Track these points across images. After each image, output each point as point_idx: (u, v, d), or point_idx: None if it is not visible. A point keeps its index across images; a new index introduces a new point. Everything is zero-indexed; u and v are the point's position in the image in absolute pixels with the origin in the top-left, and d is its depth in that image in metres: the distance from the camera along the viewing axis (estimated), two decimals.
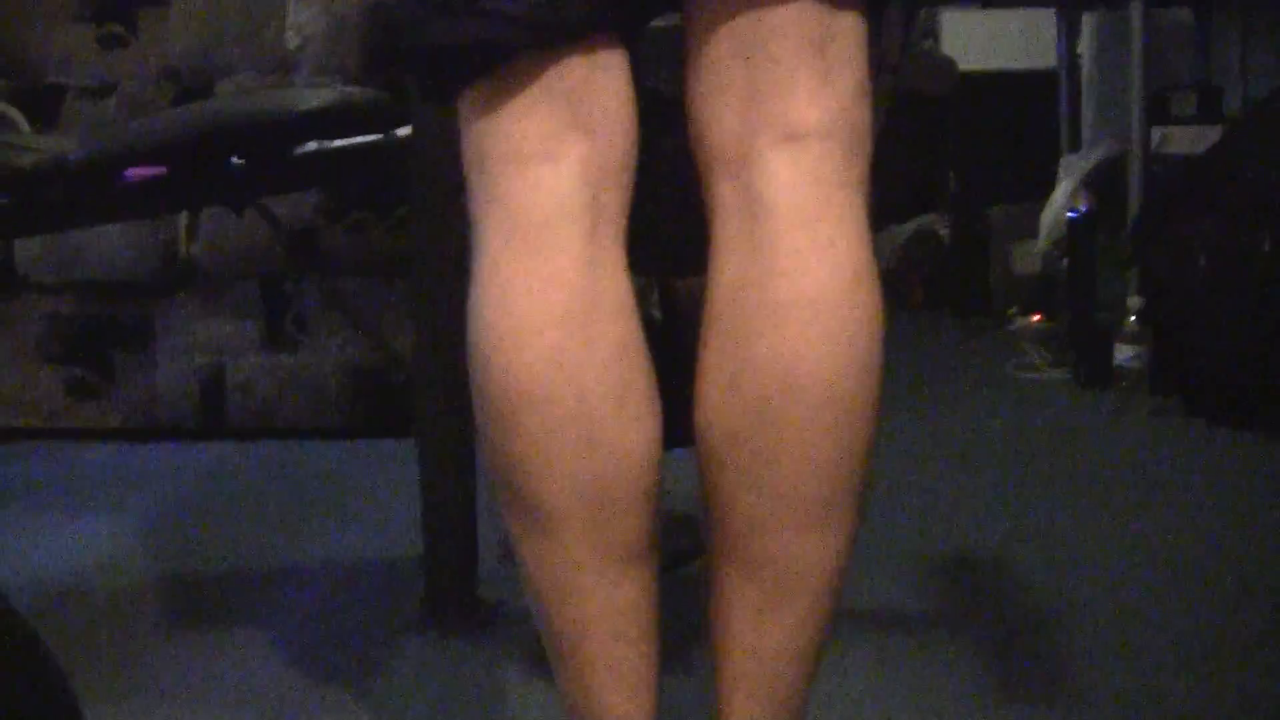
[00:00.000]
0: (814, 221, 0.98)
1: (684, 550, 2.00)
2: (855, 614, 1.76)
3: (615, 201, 1.03)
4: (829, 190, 0.98)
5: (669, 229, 1.19)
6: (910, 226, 4.55)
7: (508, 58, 1.00)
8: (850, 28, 1.00)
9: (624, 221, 1.04)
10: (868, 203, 1.02)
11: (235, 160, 1.73)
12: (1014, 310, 4.09)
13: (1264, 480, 2.42)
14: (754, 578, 1.01)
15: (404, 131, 1.77)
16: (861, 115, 1.01)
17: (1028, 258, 4.00)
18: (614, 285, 1.01)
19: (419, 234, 1.72)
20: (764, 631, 1.01)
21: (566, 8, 0.98)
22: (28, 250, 2.84)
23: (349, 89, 1.61)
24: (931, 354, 3.88)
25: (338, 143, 1.91)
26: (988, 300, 4.22)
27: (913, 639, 1.67)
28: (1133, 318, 2.99)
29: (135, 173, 1.70)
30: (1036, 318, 3.96)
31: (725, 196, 1.01)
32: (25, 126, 3.05)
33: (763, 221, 0.98)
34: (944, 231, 4.58)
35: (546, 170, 1.00)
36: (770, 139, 0.98)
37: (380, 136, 1.85)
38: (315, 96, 1.57)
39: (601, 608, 1.02)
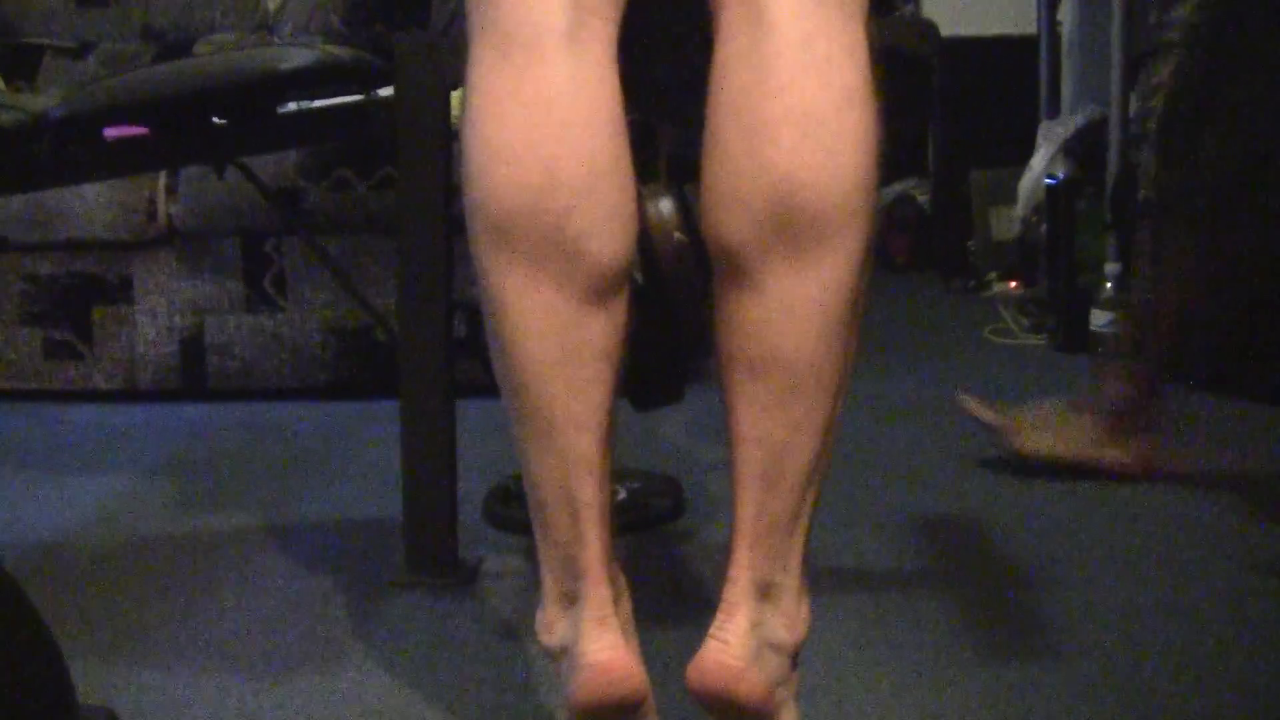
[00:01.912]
0: (811, 40, 1.04)
1: (664, 510, 2.01)
2: (835, 571, 1.77)
3: (604, 30, 1.08)
4: (829, 12, 1.04)
5: (665, 71, 1.25)
6: (892, 190, 4.56)
7: None
8: None
9: (614, 47, 1.09)
10: (868, 32, 1.08)
11: (216, 120, 1.72)
12: (993, 276, 4.11)
13: (1239, 443, 2.44)
14: (757, 378, 1.07)
15: (386, 92, 1.77)
16: None
17: (1007, 223, 4.01)
18: (605, 100, 1.07)
19: (403, 193, 1.72)
20: (768, 427, 1.08)
21: None
22: (6, 210, 2.83)
23: (331, 48, 1.60)
24: (911, 315, 3.90)
25: (319, 103, 1.91)
26: (968, 264, 4.24)
27: (893, 596, 1.68)
28: (1110, 284, 3.01)
29: (115, 131, 1.69)
30: (1014, 284, 3.97)
31: (731, 13, 1.06)
32: (2, 85, 3.03)
33: (763, 38, 1.04)
34: (924, 197, 4.59)
35: None
36: None
37: (362, 97, 1.85)
38: (297, 55, 1.57)
39: (567, 358, 1.08)
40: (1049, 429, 2.23)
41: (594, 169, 1.05)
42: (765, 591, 1.10)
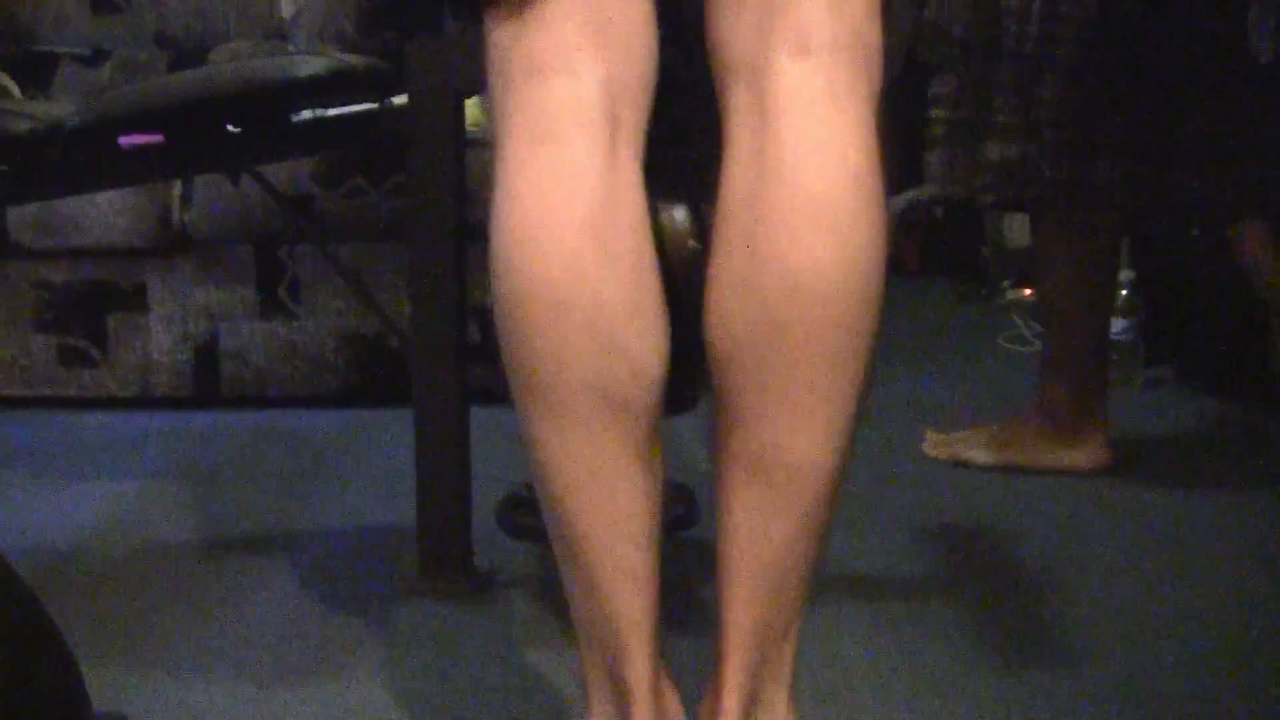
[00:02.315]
0: (820, 126, 1.01)
1: (677, 518, 2.01)
2: (846, 578, 1.77)
3: (633, 119, 1.05)
4: (837, 98, 1.02)
5: (695, 154, 1.22)
6: (905, 197, 4.55)
7: None
8: None
9: (642, 138, 1.06)
10: (877, 117, 1.05)
11: (230, 128, 1.72)
12: (1007, 283, 4.10)
13: (1260, 452, 2.44)
14: (756, 476, 1.04)
15: (400, 100, 1.77)
16: (873, 34, 1.05)
17: (1020, 230, 4.00)
18: (631, 197, 1.04)
19: (416, 201, 1.72)
20: (766, 529, 1.04)
21: None
22: (21, 217, 2.84)
23: (345, 56, 1.61)
24: (923, 321, 3.89)
25: (334, 111, 1.91)
26: (981, 271, 4.23)
27: (904, 604, 1.68)
28: (1124, 290, 3.00)
29: (130, 140, 1.70)
30: (1028, 291, 3.96)
31: (738, 104, 1.04)
32: (18, 93, 3.04)
33: (771, 126, 1.02)
34: (937, 207, 4.58)
35: (565, 82, 1.03)
36: (783, 50, 1.02)
37: (376, 105, 1.85)
38: (312, 63, 1.57)
39: (609, 501, 1.05)
40: (1007, 442, 2.31)
41: (619, 263, 1.02)
42: (755, 699, 1.07)
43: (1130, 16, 2.06)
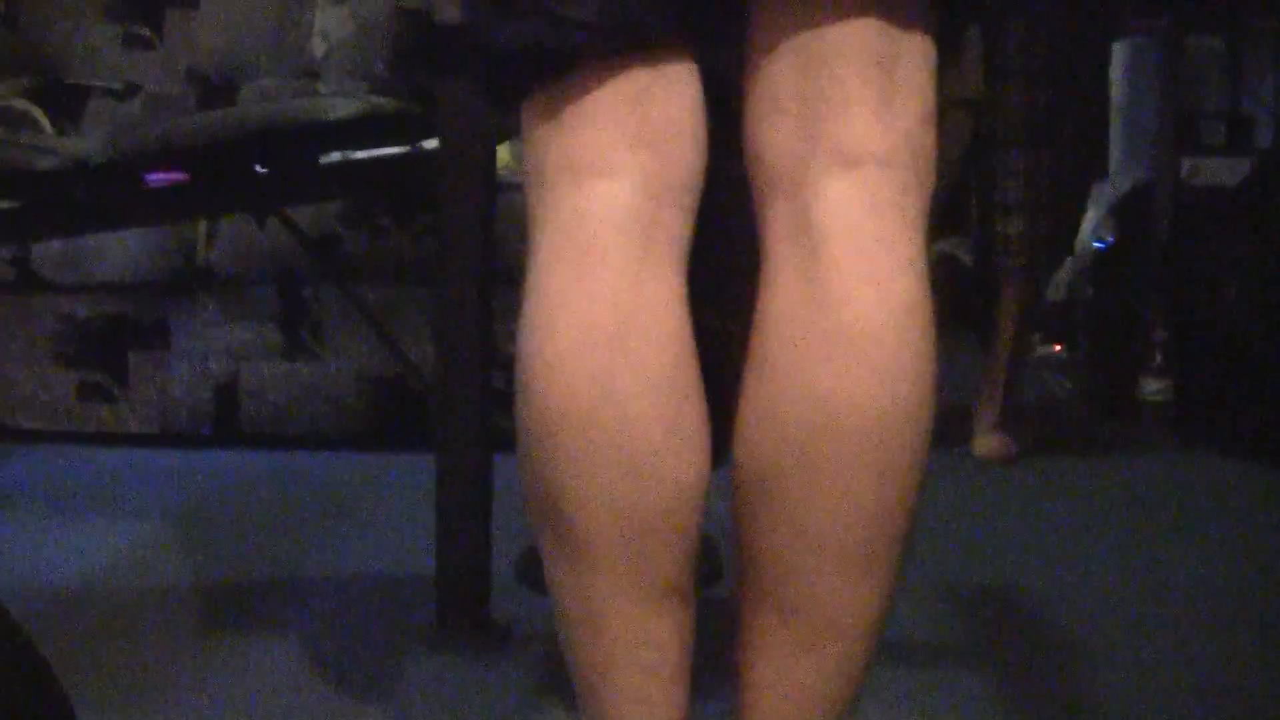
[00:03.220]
0: (869, 252, 0.93)
1: (701, 574, 1.97)
2: None
3: (676, 221, 0.98)
4: (886, 220, 0.94)
5: (723, 258, 1.15)
6: (933, 250, 4.52)
7: (571, 64, 0.96)
8: (919, 49, 0.96)
9: (685, 243, 0.99)
10: (926, 236, 0.97)
11: (259, 168, 1.71)
12: (1037, 338, 4.06)
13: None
14: (787, 621, 0.96)
15: (430, 144, 1.75)
16: (925, 143, 0.97)
17: (1052, 286, 3.97)
18: (666, 307, 0.96)
19: (445, 245, 1.69)
20: (796, 676, 0.97)
21: (633, 13, 0.94)
22: (44, 250, 2.83)
23: (377, 99, 1.59)
24: (950, 378, 3.85)
25: (362, 154, 1.89)
26: None
27: (929, 671, 1.64)
28: (1157, 350, 2.97)
29: (156, 177, 1.68)
30: (1058, 347, 3.93)
31: (779, 220, 0.96)
32: (47, 126, 3.04)
33: (816, 248, 0.93)
34: (965, 256, 4.55)
35: (603, 184, 0.96)
36: (827, 162, 0.94)
37: (406, 149, 1.83)
38: (343, 106, 1.55)
39: (634, 640, 0.98)
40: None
41: (651, 382, 0.94)
42: None
43: None
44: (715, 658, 1.75)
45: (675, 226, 0.98)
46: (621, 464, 0.94)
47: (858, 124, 0.94)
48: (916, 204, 0.96)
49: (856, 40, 0.94)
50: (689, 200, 0.99)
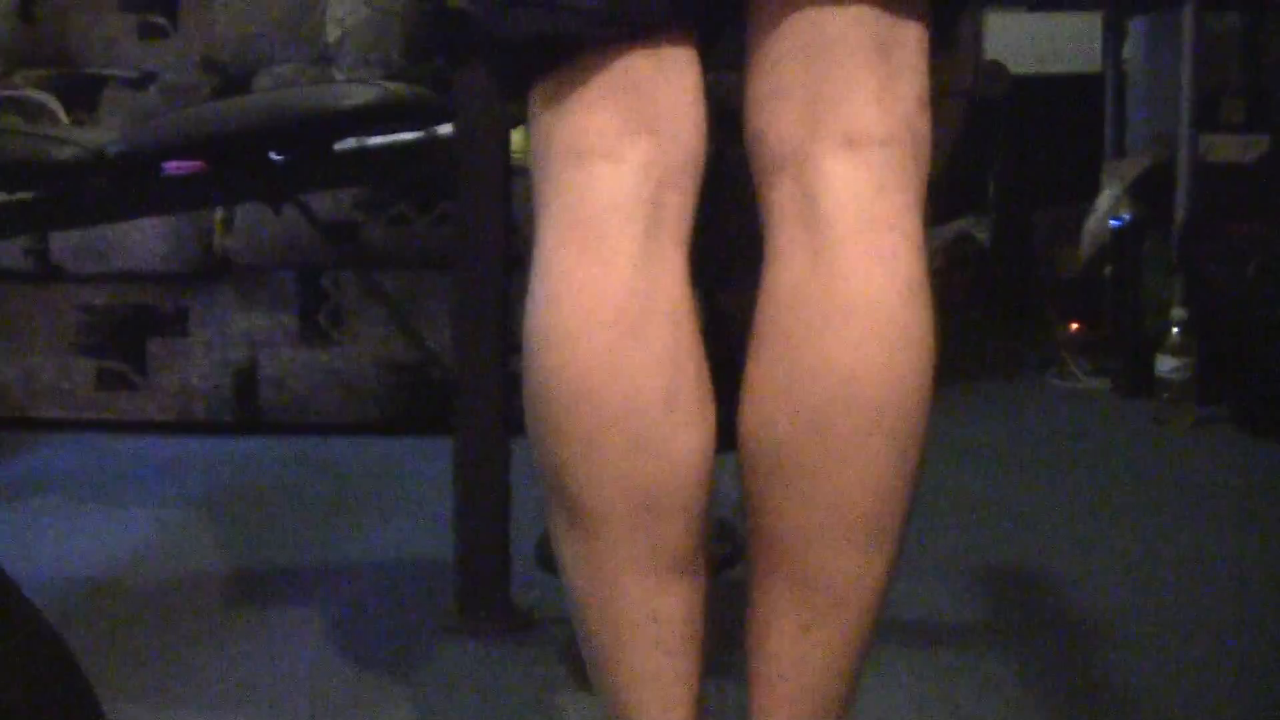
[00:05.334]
0: (875, 229, 0.96)
1: (722, 556, 1.97)
2: (891, 624, 1.73)
3: (677, 204, 1.00)
4: (888, 198, 0.96)
5: (732, 241, 1.16)
6: (951, 229, 4.51)
7: (575, 52, 0.98)
8: (914, 36, 0.99)
9: (686, 225, 1.01)
10: (924, 214, 0.99)
11: (275, 156, 1.71)
12: (1055, 317, 4.05)
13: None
14: (800, 594, 0.98)
15: (445, 129, 1.75)
16: (923, 125, 0.99)
17: (1070, 264, 3.95)
18: (670, 287, 0.98)
19: (461, 231, 1.70)
20: (808, 648, 0.99)
21: (634, 1, 0.96)
22: (63, 240, 2.84)
23: (391, 85, 1.58)
24: (970, 358, 3.84)
25: (377, 140, 1.89)
26: (1029, 305, 4.18)
27: (952, 653, 1.64)
28: (1176, 328, 2.95)
29: (173, 166, 1.68)
30: (1076, 326, 3.91)
31: (782, 201, 0.98)
32: (64, 116, 3.05)
33: (821, 228, 0.96)
34: (983, 235, 4.54)
35: (607, 168, 0.98)
36: (830, 144, 0.96)
37: (421, 135, 1.83)
38: (358, 93, 1.55)
39: (643, 616, 1.00)
40: None
41: (655, 355, 0.96)
42: None
43: None
44: (737, 639, 1.75)
45: (677, 208, 1.00)
46: (628, 440, 0.96)
47: (860, 107, 0.96)
48: (916, 184, 0.98)
49: (858, 26, 0.96)
50: (690, 183, 1.01)
